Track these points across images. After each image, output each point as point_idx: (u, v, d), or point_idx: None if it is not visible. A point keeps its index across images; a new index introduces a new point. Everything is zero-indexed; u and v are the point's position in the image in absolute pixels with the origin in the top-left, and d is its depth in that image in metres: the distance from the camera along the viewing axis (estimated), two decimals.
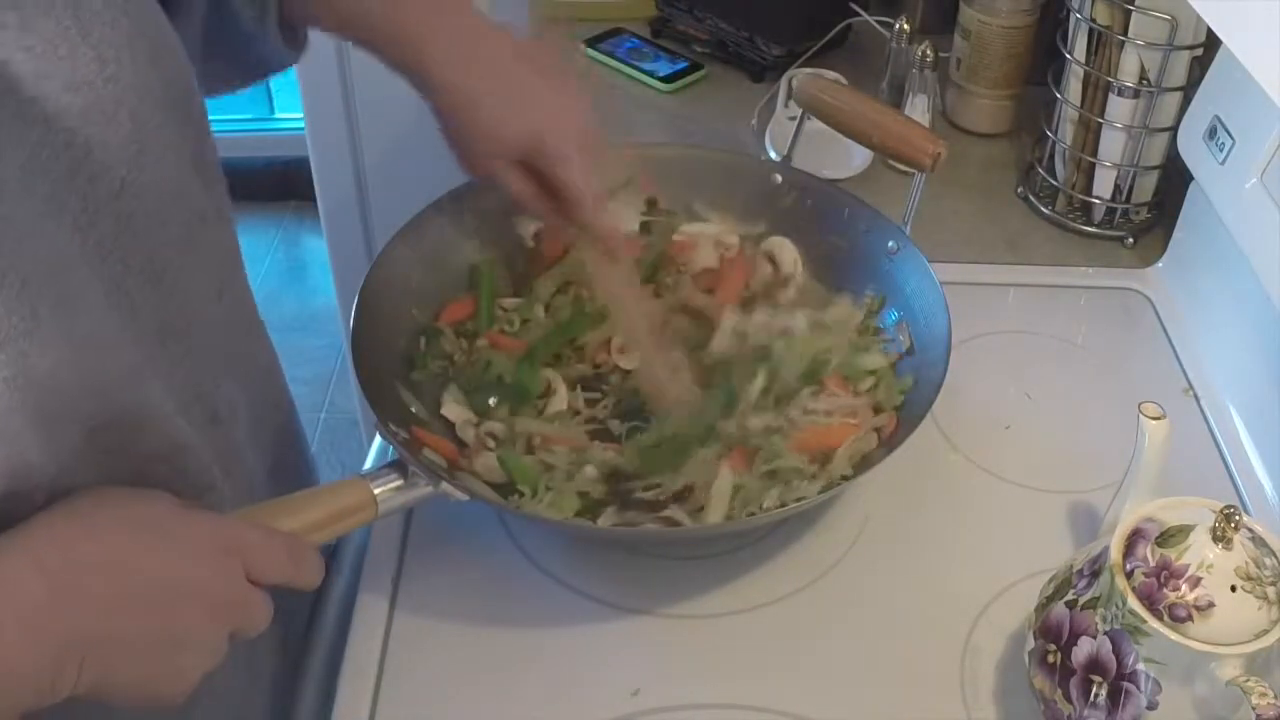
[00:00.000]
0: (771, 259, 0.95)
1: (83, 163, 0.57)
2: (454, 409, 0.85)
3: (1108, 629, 0.65)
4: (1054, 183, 1.12)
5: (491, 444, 0.82)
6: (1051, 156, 1.13)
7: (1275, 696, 0.60)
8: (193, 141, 0.66)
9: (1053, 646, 0.68)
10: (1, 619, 0.51)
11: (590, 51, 1.33)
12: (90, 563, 0.55)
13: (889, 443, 0.80)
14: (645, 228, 0.97)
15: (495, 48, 0.81)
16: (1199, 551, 0.64)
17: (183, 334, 0.66)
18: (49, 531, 0.55)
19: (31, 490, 0.55)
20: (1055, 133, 1.11)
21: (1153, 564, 0.64)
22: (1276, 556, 0.65)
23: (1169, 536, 0.65)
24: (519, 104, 0.80)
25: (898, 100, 1.16)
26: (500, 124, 0.80)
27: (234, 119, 2.85)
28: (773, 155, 1.12)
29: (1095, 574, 0.67)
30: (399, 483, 0.71)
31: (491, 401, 0.85)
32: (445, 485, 0.73)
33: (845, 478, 0.80)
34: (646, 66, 1.31)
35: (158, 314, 0.63)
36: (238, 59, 0.78)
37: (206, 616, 0.58)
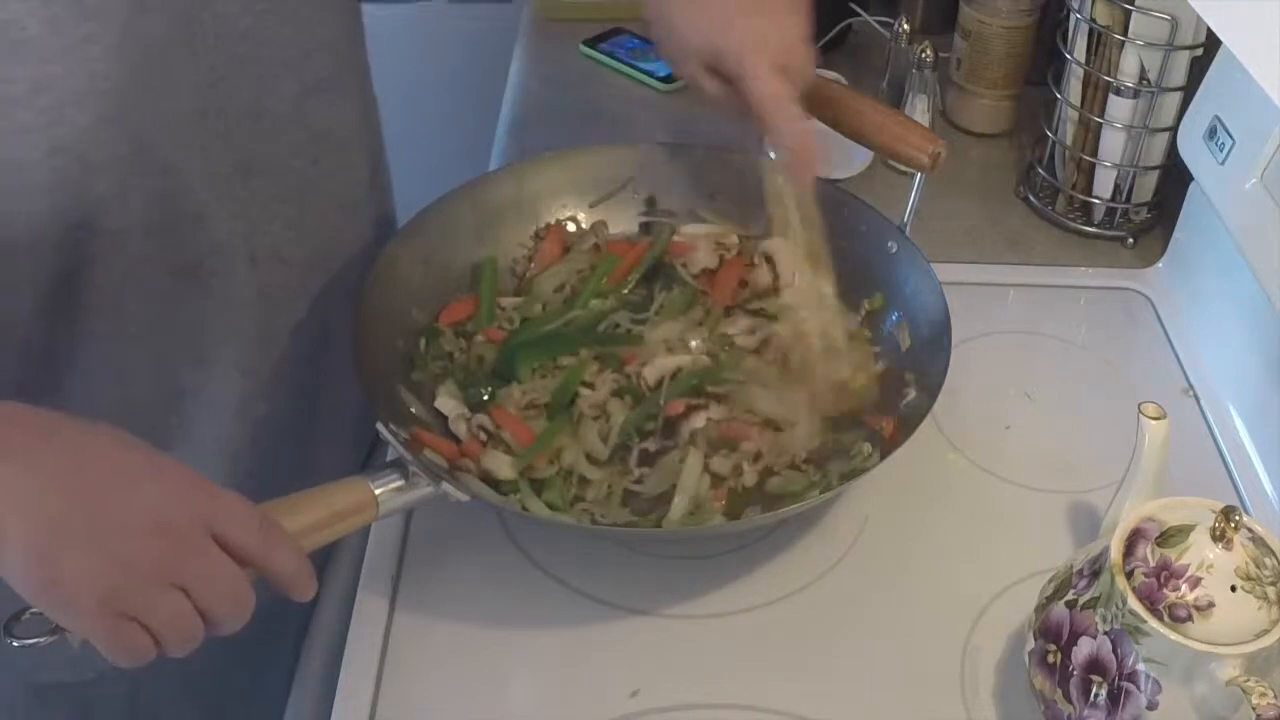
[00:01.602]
0: (769, 260, 0.95)
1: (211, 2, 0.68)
2: (447, 402, 0.85)
3: (1108, 629, 0.65)
4: (1054, 183, 1.12)
5: (484, 438, 0.82)
6: (1051, 156, 1.13)
7: (1275, 696, 0.60)
8: (332, 23, 0.77)
9: (1053, 646, 0.68)
10: None
11: (590, 51, 1.33)
12: (42, 431, 0.56)
13: (889, 443, 0.80)
14: (645, 229, 0.97)
15: None
16: (1199, 551, 0.64)
17: (263, 178, 0.76)
18: (30, 408, 0.57)
19: (96, 238, 0.64)
20: (1055, 133, 1.10)
21: (1153, 564, 0.64)
22: (1276, 556, 0.65)
23: (1169, 536, 0.65)
24: (711, 19, 0.83)
25: (898, 100, 1.16)
26: (688, 36, 0.84)
27: None
28: (773, 155, 1.11)
29: (1095, 574, 0.67)
30: (400, 483, 0.71)
31: (484, 396, 0.85)
32: (446, 485, 0.73)
33: (845, 479, 0.80)
34: (646, 66, 1.31)
35: (245, 148, 0.74)
36: None
37: (134, 528, 0.56)
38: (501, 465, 0.80)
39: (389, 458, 0.74)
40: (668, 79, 1.29)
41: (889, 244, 0.91)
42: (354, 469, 0.75)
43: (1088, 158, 1.08)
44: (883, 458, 0.78)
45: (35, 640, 0.57)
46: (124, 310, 0.71)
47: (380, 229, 0.94)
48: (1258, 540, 0.65)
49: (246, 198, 0.76)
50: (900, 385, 0.86)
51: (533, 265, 0.95)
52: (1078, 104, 1.06)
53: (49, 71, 0.60)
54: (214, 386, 0.79)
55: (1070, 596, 0.68)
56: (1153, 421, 0.74)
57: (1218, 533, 0.64)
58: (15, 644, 0.57)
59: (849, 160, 1.13)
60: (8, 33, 0.59)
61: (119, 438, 0.59)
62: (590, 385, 0.86)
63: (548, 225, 0.97)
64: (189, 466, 0.60)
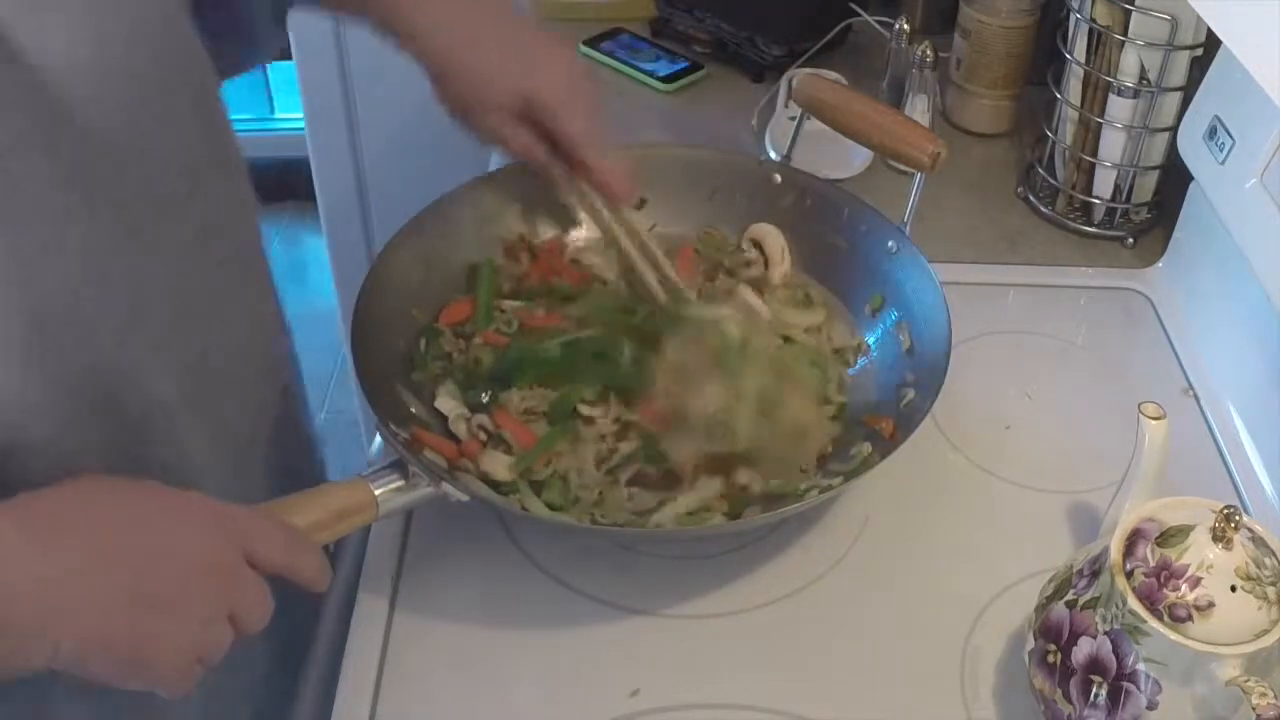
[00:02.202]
0: (758, 245, 0.95)
1: (71, 115, 0.57)
2: (447, 403, 0.84)
3: (1108, 629, 0.65)
4: (1054, 183, 1.12)
5: (484, 438, 0.82)
6: (1051, 156, 1.13)
7: (1275, 696, 0.60)
8: (201, 94, 0.67)
9: (1053, 646, 0.68)
10: None
11: (590, 51, 1.33)
12: (72, 522, 0.55)
13: (889, 443, 0.80)
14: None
15: (482, 6, 0.83)
16: (1199, 551, 0.64)
17: (172, 292, 0.65)
18: (36, 496, 0.55)
19: (29, 443, 0.56)
20: (1055, 133, 1.10)
21: (1153, 564, 0.64)
22: (1276, 556, 0.65)
23: (1169, 536, 0.65)
24: (510, 60, 0.81)
25: (898, 100, 1.16)
26: (492, 81, 0.81)
27: (234, 119, 2.83)
28: (772, 155, 1.12)
29: (1095, 574, 0.67)
30: (400, 483, 0.71)
31: (484, 397, 0.85)
32: (446, 486, 0.73)
33: (845, 479, 0.80)
34: (646, 66, 1.31)
35: (144, 267, 0.63)
36: (236, 37, 0.79)
37: (198, 582, 0.57)
38: (499, 467, 0.80)
39: (389, 458, 0.74)
40: (668, 79, 1.29)
41: (889, 244, 0.91)
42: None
43: (1088, 158, 1.08)
44: (883, 458, 0.78)
45: None
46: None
47: (271, 306, 0.83)
48: (1258, 540, 0.65)
49: (158, 331, 0.66)
50: (900, 385, 0.86)
51: (534, 268, 0.95)
52: (1078, 104, 1.06)
53: None
54: None
55: (1070, 596, 0.68)
56: (1153, 421, 0.74)
57: (1218, 533, 0.64)
58: None
59: (849, 160, 1.13)
60: None
61: (123, 496, 0.58)
62: (589, 403, 0.84)
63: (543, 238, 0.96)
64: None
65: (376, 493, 0.70)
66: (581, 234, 0.98)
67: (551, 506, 0.79)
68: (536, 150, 0.84)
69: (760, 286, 0.94)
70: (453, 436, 0.83)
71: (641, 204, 0.98)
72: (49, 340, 0.57)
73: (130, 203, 0.62)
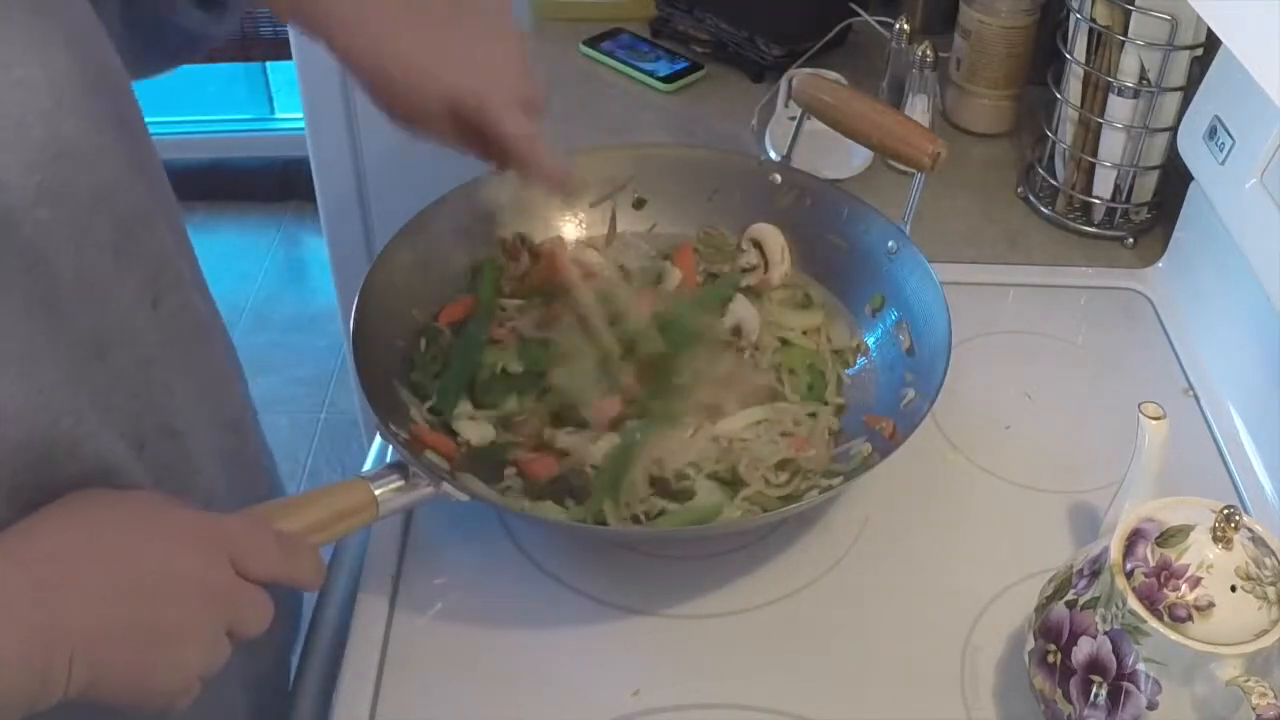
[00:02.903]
0: (757, 245, 0.95)
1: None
2: (472, 428, 0.83)
3: (1108, 629, 0.65)
4: (1054, 183, 1.12)
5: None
6: (1051, 156, 1.13)
7: (1275, 696, 0.60)
8: (126, 140, 0.62)
9: (1053, 646, 0.68)
10: None
11: (590, 51, 1.33)
12: (73, 554, 0.55)
13: (889, 443, 0.81)
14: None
15: (414, 6, 0.77)
16: (1199, 551, 0.64)
17: (115, 346, 0.62)
18: (26, 528, 0.55)
19: None
20: (1055, 133, 1.10)
21: (1153, 564, 0.64)
22: (1276, 556, 0.65)
23: (1169, 536, 0.65)
24: (441, 64, 0.76)
25: (898, 100, 1.16)
26: (418, 87, 0.76)
27: (234, 119, 2.85)
28: (772, 155, 1.12)
29: (1095, 574, 0.67)
30: (400, 483, 0.71)
31: (514, 403, 0.85)
32: (446, 486, 0.73)
33: (845, 479, 0.80)
34: (646, 66, 1.31)
35: (88, 326, 0.59)
36: (158, 38, 0.75)
37: (197, 606, 0.58)
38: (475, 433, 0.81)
39: (389, 458, 0.74)
40: (668, 79, 1.29)
41: (889, 243, 0.91)
42: None
43: (1088, 158, 1.08)
44: (883, 458, 0.78)
45: None
46: None
47: (232, 356, 0.79)
48: (1258, 540, 0.65)
49: (110, 380, 0.62)
50: (900, 385, 0.86)
51: (535, 269, 0.95)
52: (1078, 104, 1.06)
53: None
54: None
55: (1070, 596, 0.68)
56: (1153, 421, 0.74)
57: (1218, 533, 0.64)
58: None
59: (849, 160, 1.13)
60: None
61: (108, 519, 0.57)
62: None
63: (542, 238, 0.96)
64: None
65: (376, 493, 0.70)
66: (581, 233, 0.98)
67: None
68: (473, 148, 0.80)
69: (761, 287, 0.94)
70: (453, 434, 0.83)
71: (641, 204, 0.98)
72: None
73: (58, 262, 0.58)
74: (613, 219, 0.98)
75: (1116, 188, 1.09)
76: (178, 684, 0.58)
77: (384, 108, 0.78)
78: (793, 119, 1.03)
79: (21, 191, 0.54)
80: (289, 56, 1.77)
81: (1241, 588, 0.63)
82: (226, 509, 0.68)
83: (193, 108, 2.77)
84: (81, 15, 0.60)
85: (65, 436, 0.57)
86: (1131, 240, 1.10)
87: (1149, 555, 0.65)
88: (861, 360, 0.91)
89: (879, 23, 1.29)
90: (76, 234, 0.58)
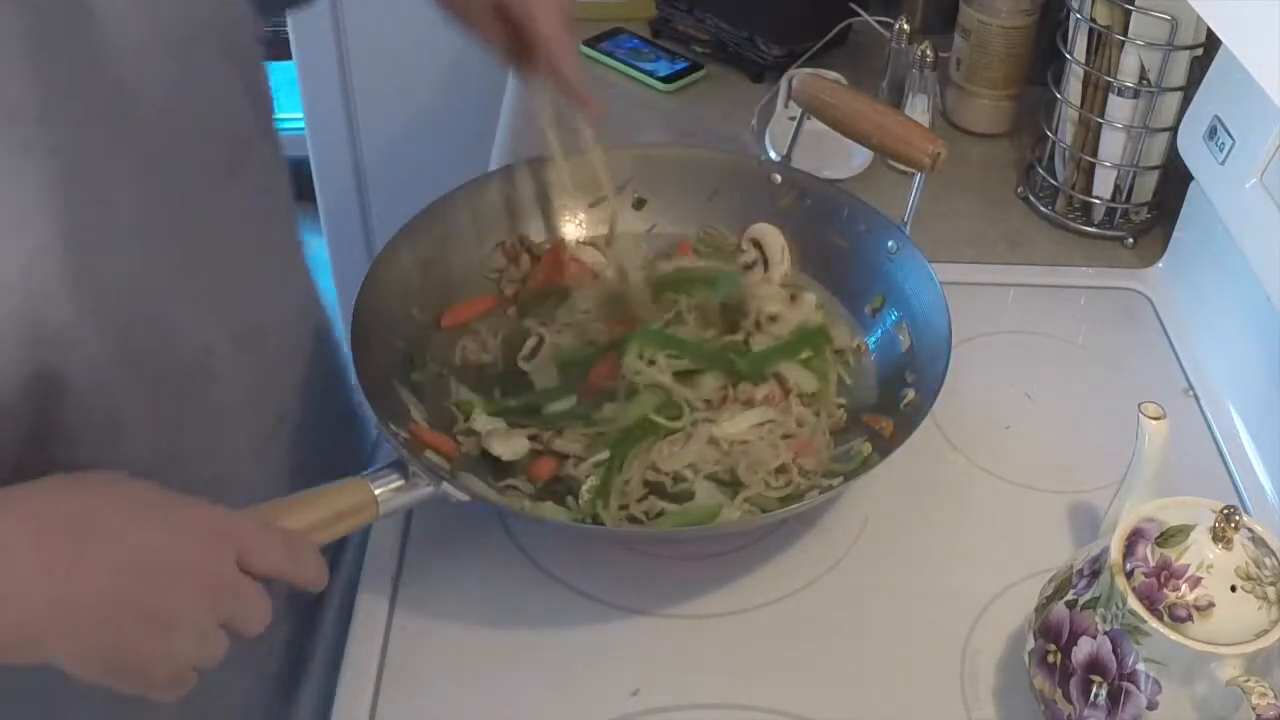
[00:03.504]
0: (757, 245, 0.95)
1: (124, 85, 0.60)
2: (503, 443, 0.83)
3: (1108, 629, 0.65)
4: (1054, 183, 1.12)
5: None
6: (1051, 156, 1.13)
7: (1275, 696, 0.60)
8: (240, 70, 0.70)
9: (1053, 646, 0.68)
10: None
11: (590, 51, 1.33)
12: (79, 527, 0.56)
13: (889, 443, 0.80)
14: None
15: None
16: (1199, 551, 0.64)
17: (221, 250, 0.69)
18: (46, 489, 0.56)
19: (78, 383, 0.59)
20: (1055, 133, 1.10)
21: (1153, 564, 0.64)
22: (1276, 556, 0.65)
23: (1169, 536, 0.65)
24: None
25: (898, 100, 1.16)
26: None
27: None
28: (772, 155, 1.12)
29: (1095, 574, 0.67)
30: (400, 483, 0.71)
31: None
32: (446, 485, 0.73)
33: (845, 479, 0.80)
34: (646, 66, 1.31)
35: (195, 233, 0.67)
36: None
37: (195, 596, 0.58)
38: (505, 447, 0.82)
39: (389, 458, 0.74)
40: (668, 79, 1.29)
41: (889, 243, 0.91)
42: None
43: (1088, 158, 1.08)
44: (883, 458, 0.78)
45: None
46: (110, 446, 0.65)
47: (308, 279, 0.88)
48: (1258, 540, 0.65)
49: (206, 284, 0.69)
50: (900, 386, 0.86)
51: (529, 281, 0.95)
52: (1078, 104, 1.06)
53: None
54: (227, 483, 0.73)
55: (1070, 596, 0.68)
56: (1153, 421, 0.74)
57: (1218, 533, 0.64)
58: None
59: (849, 160, 1.13)
60: None
61: (119, 498, 0.59)
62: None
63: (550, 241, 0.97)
64: None
65: (376, 492, 0.70)
66: (581, 233, 0.98)
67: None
68: (508, 49, 0.85)
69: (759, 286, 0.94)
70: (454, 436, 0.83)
71: (641, 204, 0.98)
72: (98, 280, 0.60)
73: (179, 168, 0.66)
74: (612, 219, 0.98)
75: (1116, 188, 1.09)
76: (165, 670, 0.58)
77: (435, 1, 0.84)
78: (792, 119, 1.03)
79: (153, 98, 0.62)
80: (289, 56, 1.77)
81: (1241, 588, 0.63)
82: (295, 420, 0.78)
83: None
84: None
85: (167, 320, 0.65)
86: (1131, 240, 1.10)
87: (1149, 555, 0.65)
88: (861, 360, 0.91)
89: (879, 23, 1.29)
90: (197, 145, 0.67)
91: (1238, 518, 0.63)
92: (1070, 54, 1.05)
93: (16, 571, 0.53)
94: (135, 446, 0.66)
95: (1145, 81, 1.02)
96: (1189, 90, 1.01)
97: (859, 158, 1.13)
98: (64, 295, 0.58)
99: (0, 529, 0.54)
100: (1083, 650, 0.66)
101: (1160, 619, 0.63)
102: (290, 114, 2.90)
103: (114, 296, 0.61)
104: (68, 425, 0.60)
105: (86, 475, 0.58)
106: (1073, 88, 1.06)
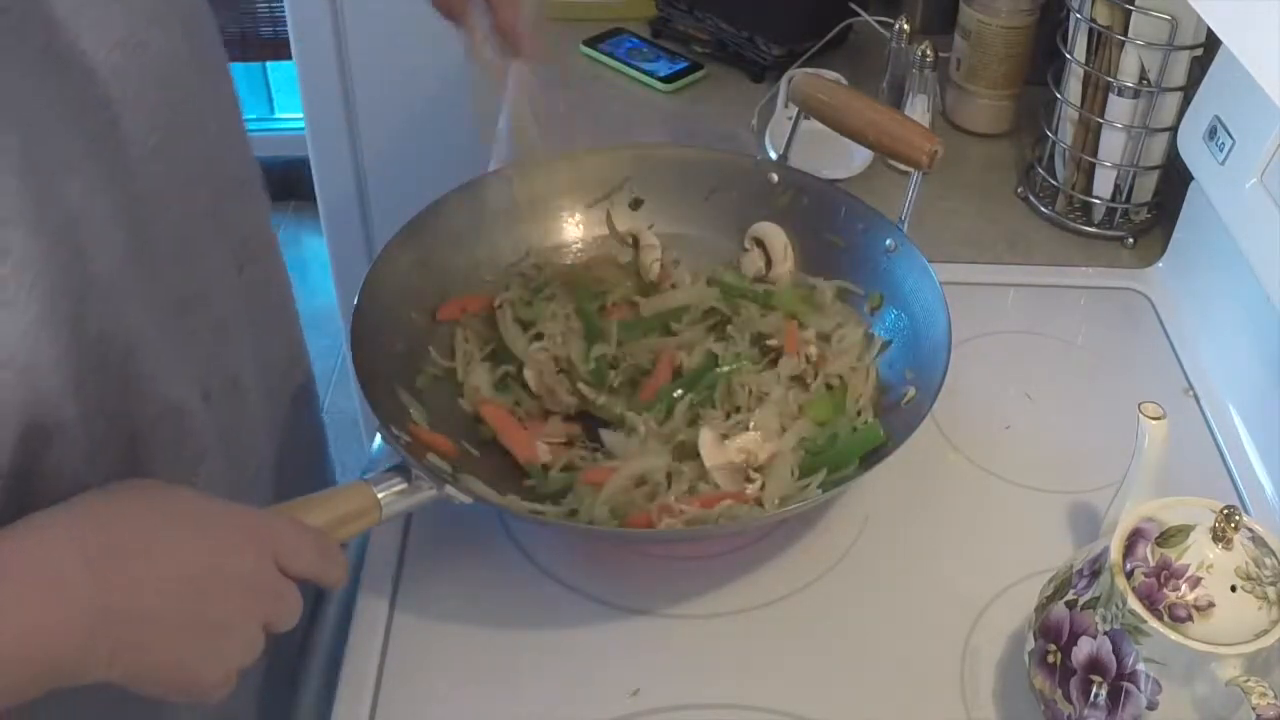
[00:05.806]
0: (760, 244, 0.95)
1: (117, 122, 0.59)
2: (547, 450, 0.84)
3: (1108, 629, 0.65)
4: (1054, 183, 1.12)
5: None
6: (1051, 156, 1.13)
7: (1275, 696, 0.60)
8: (224, 112, 0.69)
9: (1053, 646, 0.68)
10: (35, 583, 0.52)
11: (590, 51, 1.33)
12: (127, 545, 0.56)
13: (889, 445, 0.80)
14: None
15: None
16: (1199, 551, 0.64)
17: (199, 305, 0.67)
18: (87, 511, 0.56)
19: (52, 431, 0.57)
20: (1055, 133, 1.10)
21: (1153, 564, 0.64)
22: (1276, 556, 0.65)
23: (1169, 536, 0.65)
24: None
25: (898, 100, 1.16)
26: None
27: None
28: (772, 155, 1.12)
29: (1095, 574, 0.67)
30: (402, 486, 0.71)
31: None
32: (449, 488, 0.73)
33: (845, 479, 0.80)
34: (646, 66, 1.31)
35: (177, 281, 0.65)
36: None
37: (243, 603, 0.59)
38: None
39: (391, 461, 0.74)
40: (668, 79, 1.29)
41: (887, 242, 0.91)
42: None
43: (1088, 158, 1.08)
44: (883, 458, 0.78)
45: None
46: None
47: (295, 330, 0.88)
48: (1258, 540, 0.65)
49: (188, 334, 0.68)
50: (900, 385, 0.86)
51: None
52: (1078, 104, 1.06)
53: None
54: None
55: (1070, 596, 0.68)
56: (1153, 421, 0.74)
57: (1218, 533, 0.64)
58: None
59: (849, 160, 1.13)
60: None
61: (157, 510, 0.59)
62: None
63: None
64: None
65: (379, 496, 0.70)
66: (580, 234, 0.98)
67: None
68: (464, 12, 0.83)
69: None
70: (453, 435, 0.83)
71: (638, 204, 0.98)
72: (81, 337, 0.58)
73: (165, 214, 0.64)
74: (610, 219, 0.98)
75: (1116, 188, 1.09)
76: (216, 677, 0.58)
77: None
78: (791, 119, 1.03)
79: (141, 145, 0.61)
80: (289, 56, 1.77)
81: (1241, 588, 0.63)
82: (270, 475, 0.76)
83: None
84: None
85: (140, 375, 0.62)
86: (1131, 240, 1.10)
87: (1149, 555, 0.65)
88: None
89: (879, 23, 1.29)
90: (181, 195, 0.65)
91: (1238, 518, 0.63)
92: (1070, 54, 1.05)
93: (75, 599, 0.53)
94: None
95: (1145, 81, 1.02)
96: (1189, 90, 1.01)
97: (859, 158, 1.13)
98: (58, 355, 0.57)
99: (50, 555, 0.53)
100: (1083, 650, 0.66)
101: (1160, 619, 0.63)
102: (290, 114, 2.91)
103: (96, 347, 0.59)
104: (53, 466, 0.59)
105: (123, 487, 0.58)
106: (1073, 88, 1.06)
